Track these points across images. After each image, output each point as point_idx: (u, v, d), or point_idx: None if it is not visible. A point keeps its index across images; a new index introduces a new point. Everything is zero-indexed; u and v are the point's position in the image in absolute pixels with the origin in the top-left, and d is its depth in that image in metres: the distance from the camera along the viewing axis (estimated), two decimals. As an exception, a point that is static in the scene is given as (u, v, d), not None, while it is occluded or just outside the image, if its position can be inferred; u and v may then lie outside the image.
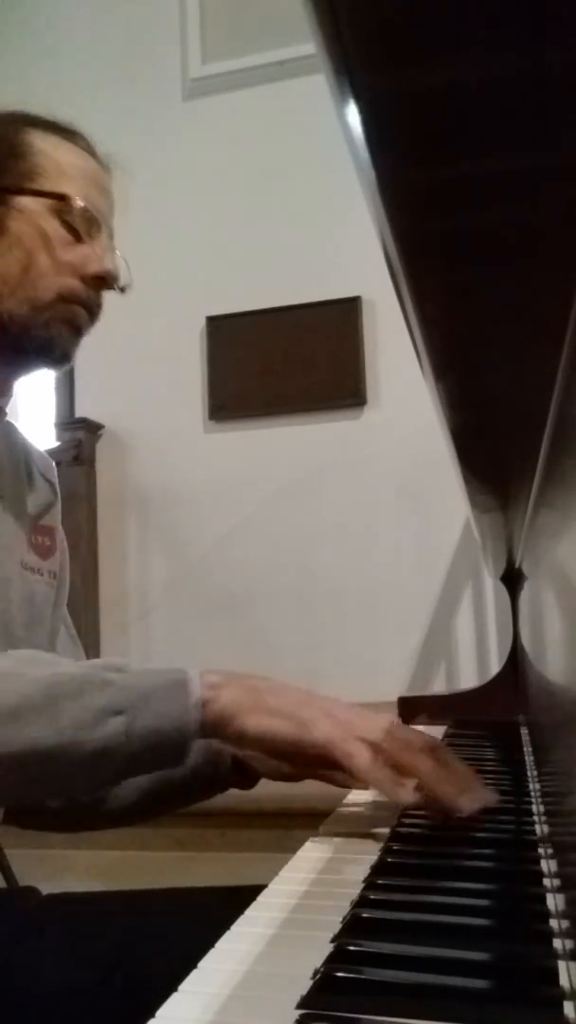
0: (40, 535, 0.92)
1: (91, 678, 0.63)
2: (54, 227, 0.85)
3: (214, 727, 0.65)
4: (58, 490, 1.00)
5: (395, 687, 2.79)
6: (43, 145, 0.87)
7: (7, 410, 0.95)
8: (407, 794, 0.63)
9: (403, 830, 0.66)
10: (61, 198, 0.85)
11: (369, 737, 0.65)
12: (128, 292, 0.94)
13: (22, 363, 0.90)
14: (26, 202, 0.84)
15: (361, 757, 0.63)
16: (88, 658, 1.03)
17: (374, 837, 0.65)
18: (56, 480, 1.00)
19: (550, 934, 0.44)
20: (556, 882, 0.52)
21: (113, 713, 0.61)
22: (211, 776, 0.84)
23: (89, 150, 0.91)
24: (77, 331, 0.88)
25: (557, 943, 0.43)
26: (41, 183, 0.85)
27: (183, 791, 0.85)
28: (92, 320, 0.90)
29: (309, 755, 0.65)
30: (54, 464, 1.01)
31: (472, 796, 0.66)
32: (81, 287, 0.86)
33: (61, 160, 0.87)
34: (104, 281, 0.88)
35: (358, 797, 0.79)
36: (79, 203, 0.85)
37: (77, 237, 0.86)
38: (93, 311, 0.89)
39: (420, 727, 1.02)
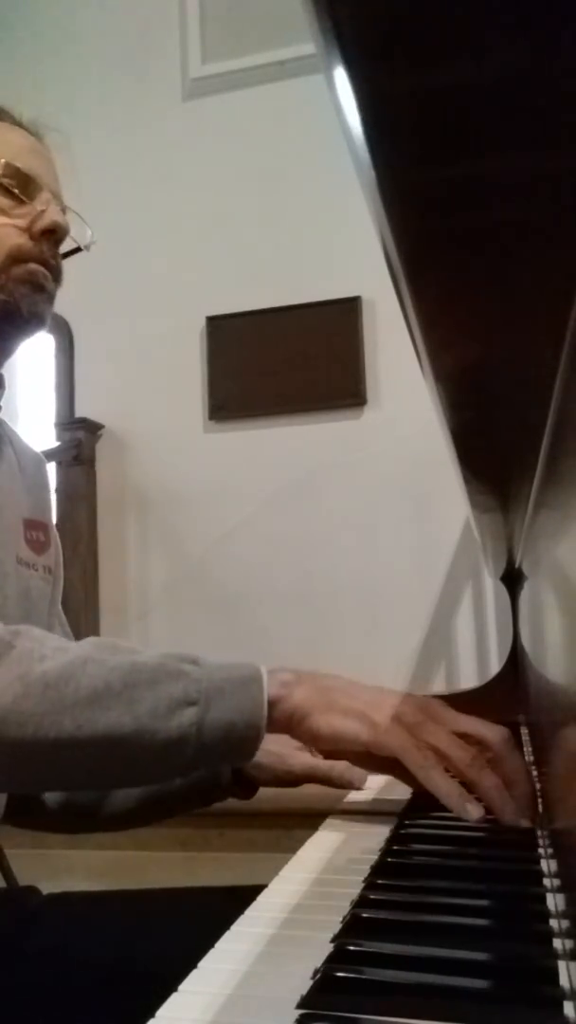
0: (34, 530, 0.92)
1: (168, 668, 0.63)
2: None
3: (286, 724, 0.66)
4: (50, 486, 1.00)
5: (395, 687, 2.79)
6: None
7: (0, 404, 0.94)
8: (475, 811, 0.64)
9: (403, 830, 0.66)
10: None
11: (439, 746, 0.66)
12: (91, 247, 0.95)
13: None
14: None
15: (433, 770, 0.64)
16: None
17: (374, 837, 0.65)
18: (47, 476, 1.00)
19: (550, 934, 0.44)
20: (556, 882, 0.52)
21: (187, 704, 0.62)
22: (210, 786, 0.84)
23: (13, 121, 0.91)
24: (40, 288, 0.87)
25: (557, 943, 0.43)
26: None
27: (181, 800, 0.86)
28: (54, 278, 0.90)
29: (380, 758, 0.67)
30: (45, 460, 1.01)
31: (525, 814, 0.66)
32: (31, 244, 0.86)
33: None
34: (54, 233, 0.88)
35: (358, 797, 0.80)
36: (14, 164, 0.86)
37: (17, 200, 0.86)
38: (51, 266, 0.89)
39: None
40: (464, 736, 0.67)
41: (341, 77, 0.25)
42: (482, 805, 0.65)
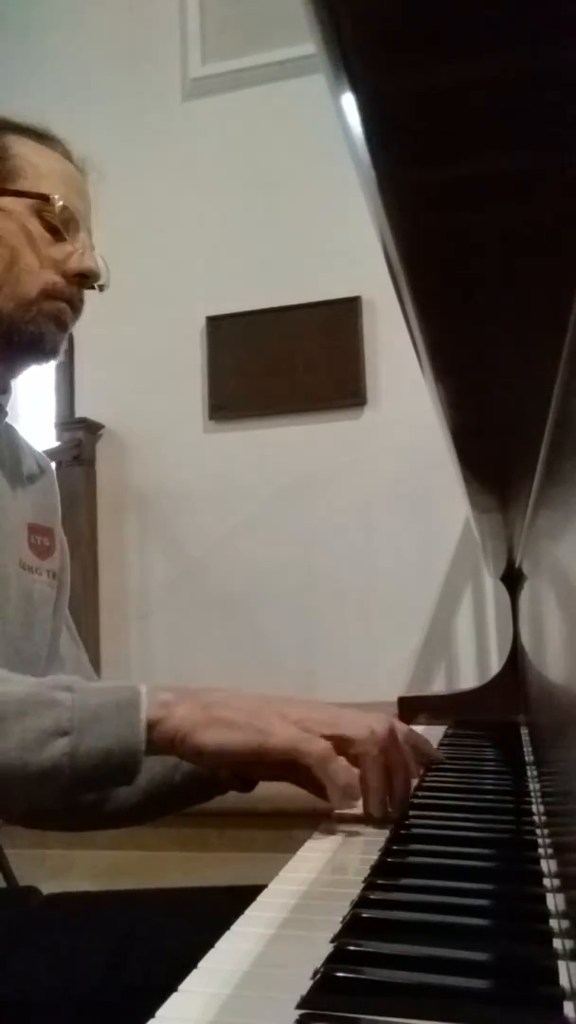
0: (38, 535, 0.92)
1: (38, 698, 0.62)
2: (36, 226, 0.87)
3: (169, 745, 0.65)
4: (57, 492, 1.00)
5: (395, 687, 2.79)
6: (21, 148, 0.90)
7: (7, 409, 0.95)
8: (346, 802, 0.65)
9: (403, 830, 0.66)
10: (42, 198, 0.87)
11: (326, 732, 0.65)
12: (107, 291, 0.97)
13: (14, 359, 0.92)
14: (8, 202, 0.87)
15: (317, 753, 0.64)
16: (89, 658, 1.03)
17: (374, 837, 0.65)
18: (55, 482, 1.00)
19: (550, 934, 0.44)
20: (556, 882, 0.52)
21: (59, 734, 0.61)
22: (210, 780, 0.84)
23: (65, 154, 0.94)
24: (63, 326, 0.91)
25: (557, 943, 0.43)
26: (21, 184, 0.88)
27: (183, 795, 0.86)
28: (76, 316, 0.93)
29: (272, 762, 0.65)
30: (53, 466, 1.01)
31: (391, 811, 0.68)
32: (63, 283, 0.89)
33: (39, 163, 0.90)
34: (85, 278, 0.91)
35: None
36: (59, 203, 0.88)
37: (57, 236, 0.88)
38: (76, 307, 0.92)
39: (420, 728, 1.02)
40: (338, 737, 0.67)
41: (341, 77, 0.25)
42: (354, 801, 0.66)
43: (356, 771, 0.66)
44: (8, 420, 0.96)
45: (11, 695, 0.62)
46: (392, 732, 0.69)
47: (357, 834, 0.67)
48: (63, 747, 0.61)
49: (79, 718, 0.62)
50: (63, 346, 0.92)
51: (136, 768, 0.64)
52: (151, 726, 0.64)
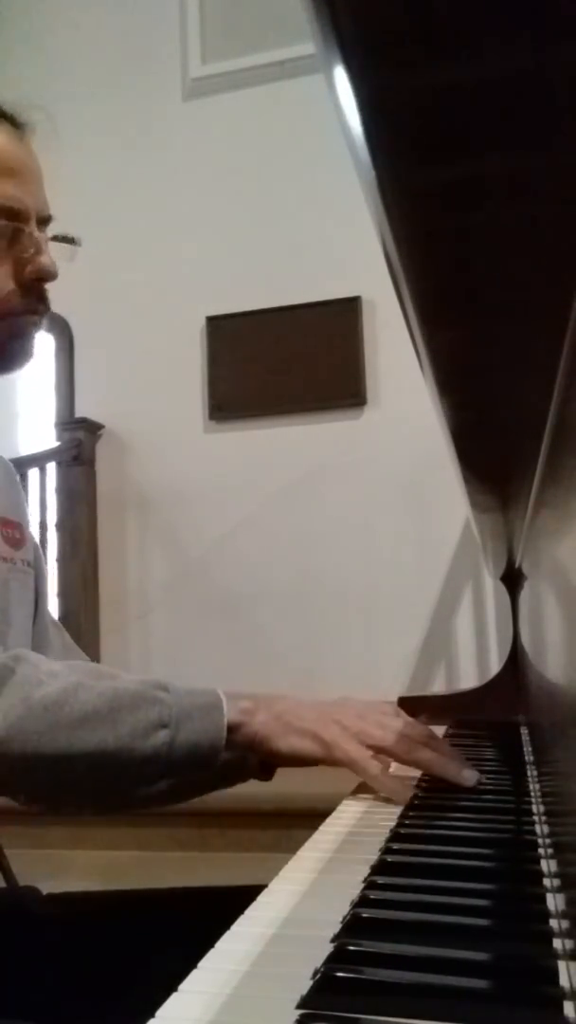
0: (8, 528, 0.93)
1: (145, 694, 0.72)
2: None
3: (248, 745, 0.76)
4: (19, 485, 1.01)
5: (395, 687, 2.79)
6: None
7: None
8: (404, 798, 0.75)
9: (403, 830, 0.66)
10: None
11: (383, 745, 0.77)
12: (77, 252, 0.91)
13: None
14: None
15: (381, 776, 0.76)
16: (89, 650, 1.05)
17: (374, 837, 0.65)
18: (16, 477, 1.01)
19: (550, 934, 0.44)
20: (556, 882, 0.52)
21: (161, 727, 0.71)
22: (238, 769, 0.86)
23: None
24: (29, 337, 0.85)
25: (557, 943, 0.43)
26: None
27: (212, 782, 0.87)
28: (43, 317, 0.86)
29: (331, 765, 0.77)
30: (10, 463, 1.01)
31: (470, 771, 0.78)
32: (19, 299, 0.81)
33: None
34: (42, 281, 0.83)
35: (359, 797, 0.79)
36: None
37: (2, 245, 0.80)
38: (40, 310, 0.85)
39: None
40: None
41: (341, 77, 0.25)
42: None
43: (407, 784, 0.77)
44: None
45: (125, 690, 0.72)
46: (421, 733, 0.80)
47: (357, 834, 0.67)
48: (164, 738, 0.71)
49: (176, 715, 0.72)
50: (31, 351, 0.86)
51: (216, 761, 0.73)
52: (233, 728, 0.74)
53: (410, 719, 0.81)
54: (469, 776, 0.77)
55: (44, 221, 0.85)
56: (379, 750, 0.77)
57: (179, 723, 0.71)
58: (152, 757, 0.70)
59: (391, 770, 0.80)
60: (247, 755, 0.85)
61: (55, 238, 0.87)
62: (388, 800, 0.75)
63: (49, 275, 0.84)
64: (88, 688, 0.71)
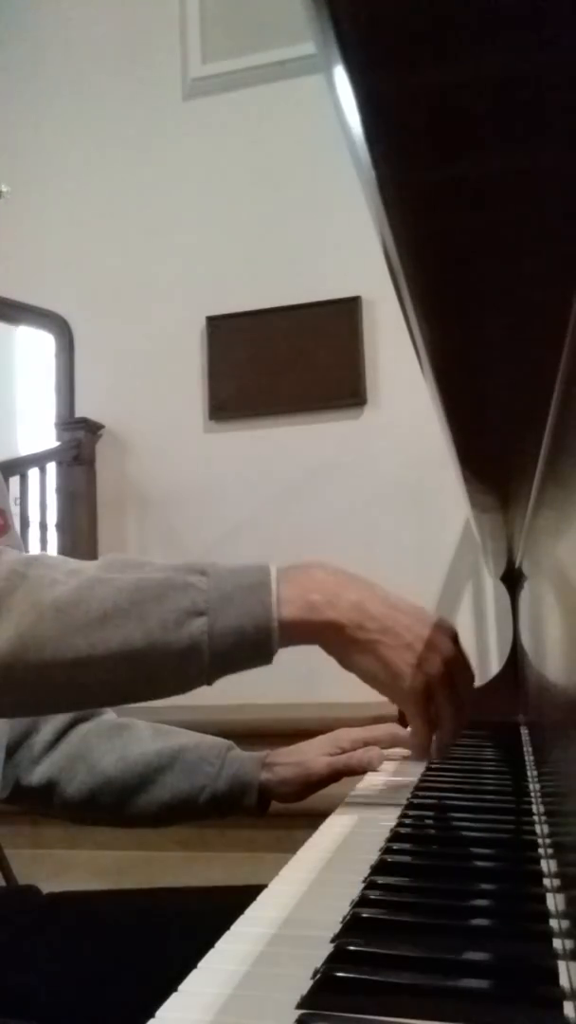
0: None
1: (173, 581, 0.66)
2: None
3: (317, 642, 0.70)
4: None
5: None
6: None
7: None
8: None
9: (403, 830, 0.66)
10: None
11: (433, 673, 0.71)
12: (6, 194, 0.91)
13: None
14: None
15: (419, 743, 0.72)
16: None
17: (374, 837, 0.65)
18: None
19: (550, 934, 0.44)
20: (556, 882, 0.52)
21: (196, 614, 0.65)
22: (233, 804, 0.85)
23: None
24: None
25: (557, 943, 0.43)
26: None
27: (201, 812, 0.87)
28: None
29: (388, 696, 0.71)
30: None
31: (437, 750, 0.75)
32: None
33: None
34: None
35: (359, 797, 0.80)
36: None
37: None
38: None
39: None
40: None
41: (341, 77, 0.25)
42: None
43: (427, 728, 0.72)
44: None
45: (150, 580, 0.66)
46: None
47: (358, 834, 0.67)
48: (200, 626, 0.64)
49: (213, 599, 0.66)
50: None
51: (270, 645, 0.66)
52: (294, 624, 0.67)
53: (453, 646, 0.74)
54: (433, 751, 0.74)
55: None
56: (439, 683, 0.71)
57: (217, 608, 0.65)
58: (190, 649, 0.64)
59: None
60: (246, 791, 0.85)
61: None
62: (386, 802, 0.72)
63: None
64: (107, 582, 0.65)
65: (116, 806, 0.86)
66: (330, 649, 0.70)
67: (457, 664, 0.72)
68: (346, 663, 0.70)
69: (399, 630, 0.71)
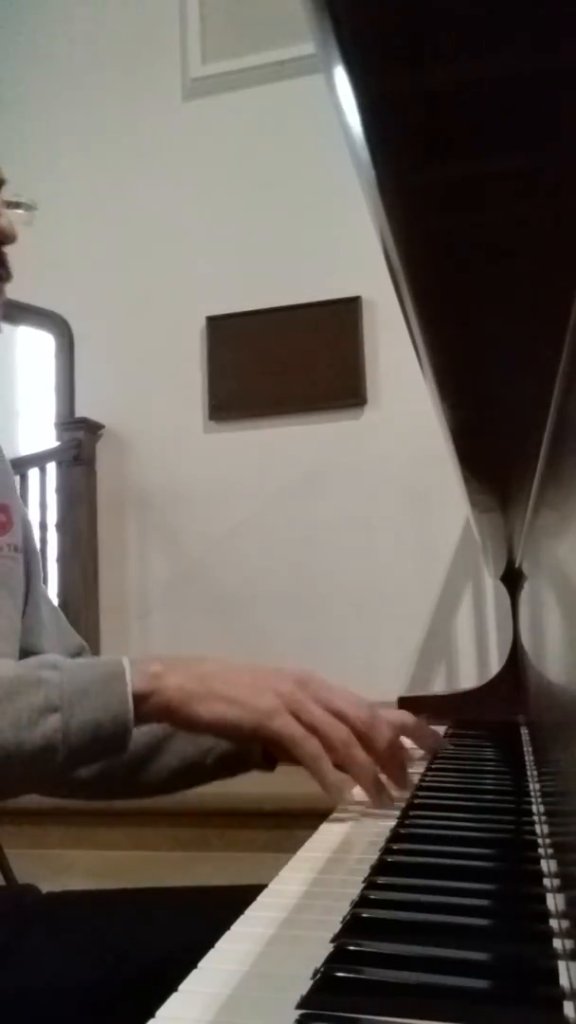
0: None
1: (25, 678, 0.63)
2: None
3: (163, 714, 0.66)
4: (9, 466, 0.99)
5: (395, 687, 2.79)
6: None
7: None
8: (337, 796, 0.68)
9: (403, 830, 0.66)
10: None
11: (317, 725, 0.67)
12: (35, 221, 0.90)
13: None
14: None
15: (322, 760, 0.66)
16: (87, 645, 1.03)
17: (374, 836, 0.65)
18: (4, 456, 0.99)
19: (550, 934, 0.44)
20: (556, 882, 0.52)
21: (50, 711, 0.62)
22: (240, 760, 0.85)
23: None
24: None
25: (557, 943, 0.43)
26: None
27: (211, 773, 0.86)
28: (3, 282, 0.84)
29: (267, 741, 0.69)
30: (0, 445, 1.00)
31: (389, 797, 0.72)
32: None
33: None
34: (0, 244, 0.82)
35: (359, 797, 0.79)
36: None
37: None
38: (1, 276, 0.83)
39: None
40: (337, 713, 0.69)
41: (341, 77, 0.25)
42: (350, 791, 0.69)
43: (344, 775, 0.68)
44: None
45: (3, 677, 0.63)
46: (374, 716, 0.71)
47: (358, 833, 0.67)
48: (55, 723, 0.62)
49: (68, 694, 0.63)
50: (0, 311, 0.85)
51: (127, 738, 0.64)
52: (142, 697, 0.65)
53: (379, 711, 0.72)
54: (383, 801, 0.70)
55: None
56: (315, 733, 0.68)
57: (72, 703, 0.62)
58: (44, 747, 0.61)
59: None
60: (251, 746, 0.85)
61: (9, 204, 0.86)
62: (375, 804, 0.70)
63: (5, 235, 0.82)
64: None
65: (127, 779, 0.86)
66: (176, 712, 0.66)
67: (320, 687, 0.69)
68: (193, 718, 0.66)
69: (244, 674, 0.69)
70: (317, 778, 0.66)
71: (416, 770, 0.80)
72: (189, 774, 0.85)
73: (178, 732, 0.83)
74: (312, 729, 0.67)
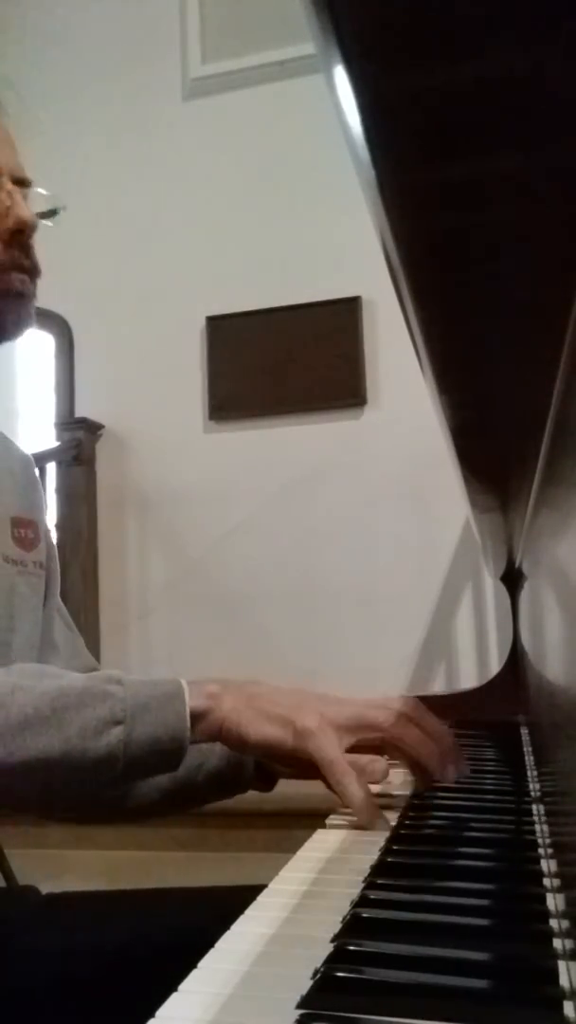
0: (22, 528, 0.91)
1: (93, 690, 0.66)
2: None
3: (216, 734, 0.69)
4: (39, 485, 0.99)
5: (395, 687, 2.79)
6: None
7: None
8: (375, 822, 0.67)
9: (403, 830, 0.66)
10: None
11: (374, 722, 0.70)
12: (58, 216, 0.90)
13: None
14: None
15: (349, 784, 0.68)
16: (89, 650, 1.03)
17: (374, 837, 0.65)
18: (36, 475, 0.99)
19: (550, 934, 0.44)
20: (556, 882, 0.52)
21: (114, 723, 0.65)
22: (233, 779, 0.85)
23: None
24: (21, 296, 0.83)
25: (557, 943, 0.43)
26: None
27: (203, 792, 0.86)
28: (32, 276, 0.85)
29: (307, 763, 0.70)
30: (33, 460, 1.00)
31: (454, 769, 0.73)
32: (2, 253, 0.81)
33: None
34: (23, 233, 0.82)
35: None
36: None
37: None
38: (27, 268, 0.84)
39: None
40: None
41: (341, 77, 0.25)
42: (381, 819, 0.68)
43: (372, 798, 0.69)
44: None
45: (71, 688, 0.66)
46: (415, 707, 0.73)
47: (357, 834, 0.67)
48: (118, 735, 0.64)
49: (131, 708, 0.65)
50: (31, 312, 0.85)
51: (182, 755, 0.67)
52: (198, 716, 0.68)
53: (416, 704, 0.74)
54: (450, 773, 0.73)
55: (20, 182, 0.85)
56: (367, 727, 0.71)
57: (135, 717, 0.65)
58: (107, 757, 0.64)
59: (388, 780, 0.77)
60: (243, 763, 0.85)
61: (44, 215, 0.87)
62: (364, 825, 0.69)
63: (27, 225, 0.83)
64: (27, 690, 0.65)
65: (117, 799, 0.86)
66: (228, 732, 0.69)
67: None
68: (244, 738, 0.69)
69: (289, 695, 0.71)
70: (345, 800, 0.68)
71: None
72: (181, 793, 0.85)
73: None
74: (364, 726, 0.70)
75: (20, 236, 0.82)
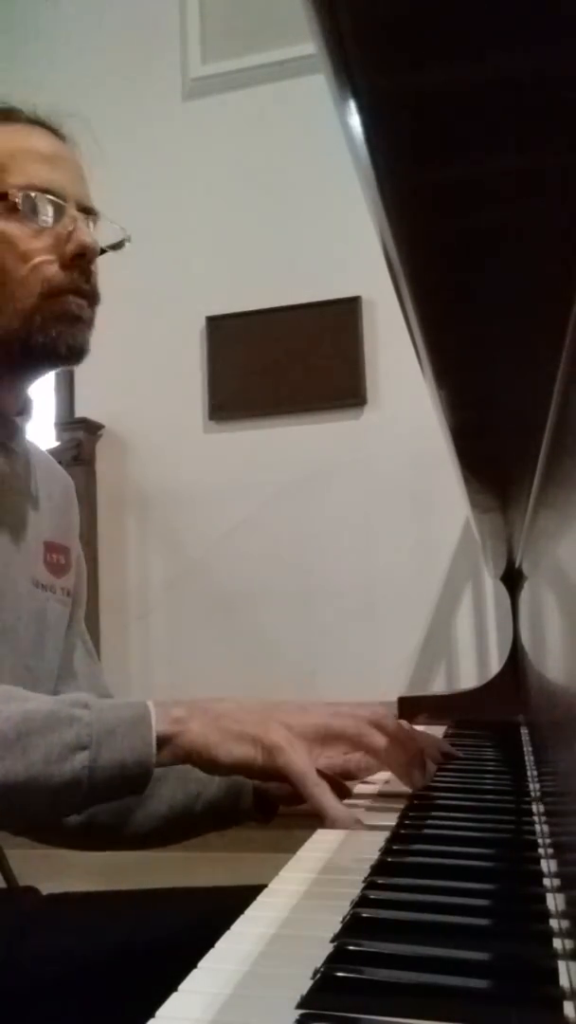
0: (55, 553, 0.90)
1: (59, 714, 0.65)
2: (10, 226, 0.81)
3: (186, 758, 0.68)
4: (76, 509, 0.98)
5: (395, 687, 2.79)
6: None
7: (26, 427, 0.91)
8: (353, 824, 0.68)
9: (403, 830, 0.66)
10: (3, 196, 0.80)
11: (339, 731, 0.71)
12: (128, 245, 0.92)
13: (33, 370, 0.86)
14: None
15: (323, 794, 0.68)
16: (113, 696, 1.02)
17: (374, 837, 0.65)
18: (74, 499, 0.98)
19: (550, 934, 0.44)
20: (556, 882, 0.52)
21: (79, 748, 0.64)
22: (231, 809, 0.85)
23: (30, 121, 0.85)
24: (77, 320, 0.83)
25: (557, 943, 0.43)
26: None
27: (201, 825, 0.86)
28: (91, 302, 0.85)
29: (279, 778, 0.69)
30: (72, 483, 0.99)
31: (420, 775, 0.75)
32: (62, 275, 0.82)
33: None
34: (83, 257, 0.83)
35: (359, 797, 0.80)
36: (27, 193, 0.80)
37: (38, 225, 0.81)
38: (86, 292, 0.84)
39: (420, 727, 1.02)
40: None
41: (341, 77, 0.25)
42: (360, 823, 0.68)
43: (353, 813, 0.69)
44: (29, 438, 0.93)
45: (36, 712, 0.65)
46: (383, 715, 0.74)
47: (357, 834, 0.67)
48: (83, 760, 0.64)
49: (97, 733, 0.65)
50: (88, 338, 0.85)
51: (147, 779, 0.66)
52: (164, 740, 0.67)
53: (384, 712, 0.74)
54: (416, 779, 0.74)
55: (85, 210, 0.87)
56: (335, 737, 0.71)
57: (100, 742, 0.64)
58: (71, 782, 0.63)
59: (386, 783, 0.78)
60: (241, 793, 0.85)
61: (111, 247, 0.91)
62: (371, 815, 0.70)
63: (89, 249, 0.84)
64: None
65: (114, 826, 0.86)
66: (198, 755, 0.68)
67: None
68: (215, 760, 0.68)
69: (254, 712, 0.70)
70: (320, 812, 0.67)
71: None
72: (179, 822, 0.85)
73: (167, 777, 0.83)
74: (329, 737, 0.70)
75: (81, 260, 0.83)
